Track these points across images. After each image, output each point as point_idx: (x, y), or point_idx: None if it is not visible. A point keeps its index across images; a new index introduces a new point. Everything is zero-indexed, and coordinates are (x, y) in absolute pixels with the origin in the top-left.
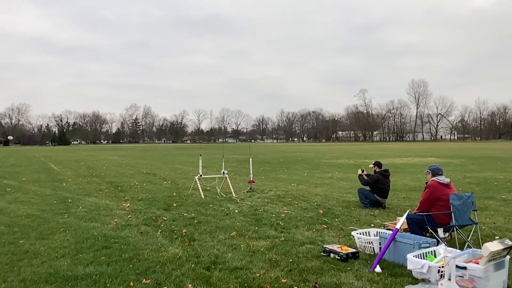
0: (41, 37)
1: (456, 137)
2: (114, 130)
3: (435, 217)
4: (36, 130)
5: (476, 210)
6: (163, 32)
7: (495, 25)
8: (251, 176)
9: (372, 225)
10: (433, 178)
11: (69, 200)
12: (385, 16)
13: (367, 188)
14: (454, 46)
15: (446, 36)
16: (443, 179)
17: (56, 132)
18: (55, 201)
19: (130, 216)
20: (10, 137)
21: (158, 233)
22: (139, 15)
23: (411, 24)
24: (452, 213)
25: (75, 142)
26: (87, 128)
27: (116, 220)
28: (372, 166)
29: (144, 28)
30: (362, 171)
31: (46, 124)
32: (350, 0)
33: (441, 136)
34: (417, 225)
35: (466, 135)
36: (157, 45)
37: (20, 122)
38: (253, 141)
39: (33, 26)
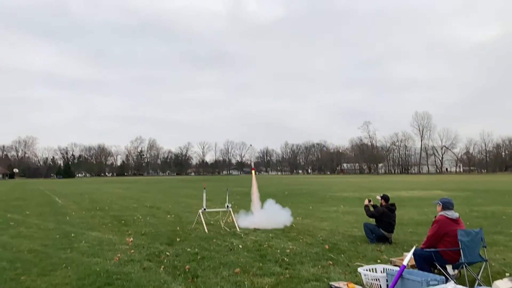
0: (50, 72)
1: (461, 170)
2: (119, 163)
3: (443, 253)
4: (41, 162)
5: (485, 247)
6: (169, 67)
7: (496, 59)
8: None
9: (378, 261)
10: (441, 213)
11: (72, 235)
12: (387, 50)
13: (373, 222)
14: (457, 79)
15: (448, 69)
16: (452, 214)
17: (61, 165)
18: (58, 236)
19: (133, 251)
20: (15, 170)
21: (161, 269)
22: (146, 50)
23: (414, 58)
24: (461, 250)
25: (80, 175)
26: (92, 160)
27: (119, 255)
28: (380, 198)
29: (151, 62)
30: (369, 201)
31: (51, 157)
32: (352, 35)
33: (447, 169)
34: (425, 262)
35: (471, 168)
36: (163, 79)
37: (26, 155)
38: (257, 173)
39: (43, 61)
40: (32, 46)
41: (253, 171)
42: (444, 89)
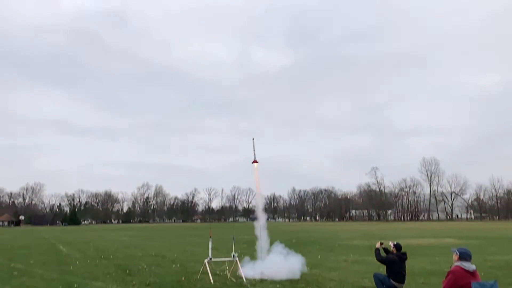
0: (60, 119)
1: (472, 216)
2: (125, 210)
3: None
4: (48, 209)
5: None
6: (177, 113)
7: (501, 104)
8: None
9: None
10: (457, 263)
11: (75, 286)
12: (393, 95)
13: (384, 272)
14: (463, 124)
15: (454, 114)
16: (468, 266)
17: (68, 212)
18: (60, 287)
19: None
20: (21, 217)
21: None
22: (155, 97)
23: (419, 103)
24: None
25: (85, 222)
26: (98, 207)
27: None
28: (392, 246)
29: (159, 108)
30: (381, 244)
31: (58, 204)
32: (358, 81)
33: (457, 215)
34: None
35: (483, 214)
36: (171, 125)
37: (33, 202)
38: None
39: (54, 108)
40: (43, 93)
41: (255, 164)
42: (450, 134)
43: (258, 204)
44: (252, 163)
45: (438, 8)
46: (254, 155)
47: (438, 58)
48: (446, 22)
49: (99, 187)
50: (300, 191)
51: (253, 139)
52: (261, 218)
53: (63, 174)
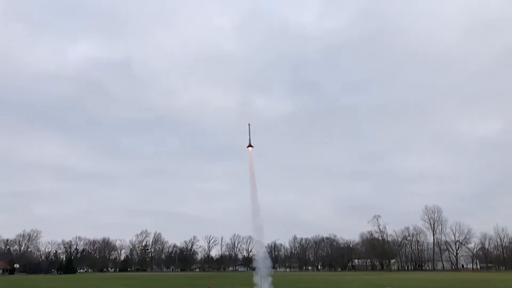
0: (60, 165)
1: (478, 266)
2: (122, 257)
3: None
4: (43, 257)
5: None
6: (178, 159)
7: (501, 152)
8: None
9: None
10: None
11: None
12: (393, 143)
13: None
14: (464, 172)
15: (455, 162)
16: None
17: (64, 259)
18: None
19: None
20: (16, 265)
21: None
22: (157, 143)
23: (420, 151)
24: None
25: (81, 270)
26: (95, 255)
27: None
28: None
29: (160, 155)
30: None
31: (54, 251)
32: (358, 128)
33: (463, 265)
34: None
35: (489, 264)
36: (171, 171)
37: (29, 249)
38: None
39: (55, 154)
40: (45, 139)
41: (250, 149)
42: (452, 181)
43: (252, 191)
44: (247, 147)
45: (436, 59)
46: (250, 139)
47: (438, 106)
48: (444, 72)
49: (97, 234)
50: (301, 239)
51: (249, 124)
52: (254, 202)
53: (60, 220)
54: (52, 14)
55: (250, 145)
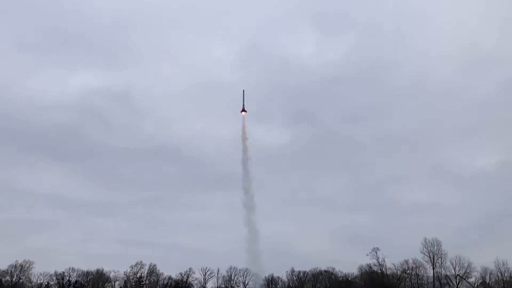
0: (57, 193)
1: None
2: None
3: None
4: None
5: None
6: (175, 188)
7: (501, 184)
8: None
9: None
10: None
11: None
12: (392, 174)
13: None
14: (463, 204)
15: (454, 194)
16: None
17: None
18: None
19: None
20: None
21: None
22: (154, 172)
23: (418, 183)
24: None
25: None
26: (88, 287)
27: None
28: None
29: (157, 184)
30: None
31: (46, 283)
32: (356, 159)
33: None
34: None
35: None
36: (168, 201)
37: (21, 280)
38: None
39: (51, 182)
40: (43, 168)
41: (243, 113)
42: (451, 214)
43: (244, 151)
44: (241, 112)
45: (432, 90)
46: (243, 105)
47: (436, 137)
48: (441, 104)
49: (91, 265)
50: (299, 272)
51: (243, 91)
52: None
53: (54, 251)
54: (54, 44)
55: (243, 110)
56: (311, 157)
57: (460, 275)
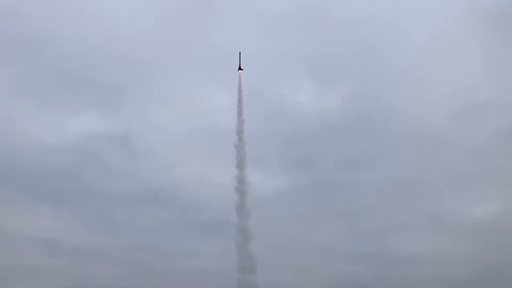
0: (48, 238)
1: None
2: None
3: None
4: None
5: None
6: (170, 234)
7: (501, 234)
8: None
9: None
10: None
11: None
12: (391, 222)
13: None
14: (463, 254)
15: (454, 243)
16: None
17: None
18: None
19: None
20: None
21: None
22: (150, 217)
23: (418, 231)
24: None
25: None
26: None
27: None
28: None
29: (152, 230)
30: None
31: None
32: (354, 206)
33: None
34: None
35: None
36: (162, 247)
37: None
38: None
39: (44, 227)
40: (36, 211)
41: (239, 72)
42: (451, 264)
43: (239, 120)
44: (238, 70)
45: (429, 138)
46: (240, 64)
47: (435, 185)
48: (439, 151)
49: None
50: None
51: (239, 52)
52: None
53: None
54: (54, 88)
55: (240, 68)
56: (308, 204)
57: None
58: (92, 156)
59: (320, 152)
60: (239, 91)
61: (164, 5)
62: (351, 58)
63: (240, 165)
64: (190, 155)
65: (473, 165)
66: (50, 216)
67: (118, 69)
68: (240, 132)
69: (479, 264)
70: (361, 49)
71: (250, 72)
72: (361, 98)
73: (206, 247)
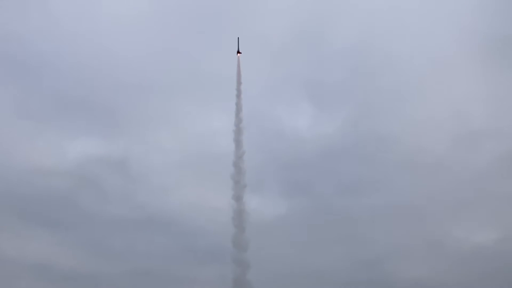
0: (42, 264)
1: None
2: None
3: None
4: None
5: None
6: (166, 260)
7: (500, 260)
8: None
9: None
10: None
11: None
12: (389, 248)
13: None
14: (463, 281)
15: (453, 270)
16: None
17: None
18: None
19: None
20: None
21: None
22: (145, 242)
23: (416, 258)
24: None
25: None
26: None
27: None
28: None
29: (148, 255)
30: None
31: None
32: (352, 232)
33: None
34: None
35: None
36: (157, 273)
37: None
38: None
39: (37, 252)
40: (30, 235)
41: (238, 55)
42: None
43: (238, 103)
44: (236, 54)
45: (428, 164)
46: (238, 47)
47: (435, 211)
48: (437, 177)
49: None
50: None
51: (238, 38)
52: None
53: None
54: (52, 111)
55: (238, 52)
56: (306, 229)
57: None
58: (89, 180)
59: (319, 177)
60: (238, 74)
61: (162, 29)
62: (350, 84)
63: (237, 197)
64: (187, 179)
65: (472, 191)
66: (43, 241)
67: (117, 93)
68: (239, 158)
69: None
70: (360, 74)
71: (249, 96)
72: (360, 124)
73: (203, 273)
